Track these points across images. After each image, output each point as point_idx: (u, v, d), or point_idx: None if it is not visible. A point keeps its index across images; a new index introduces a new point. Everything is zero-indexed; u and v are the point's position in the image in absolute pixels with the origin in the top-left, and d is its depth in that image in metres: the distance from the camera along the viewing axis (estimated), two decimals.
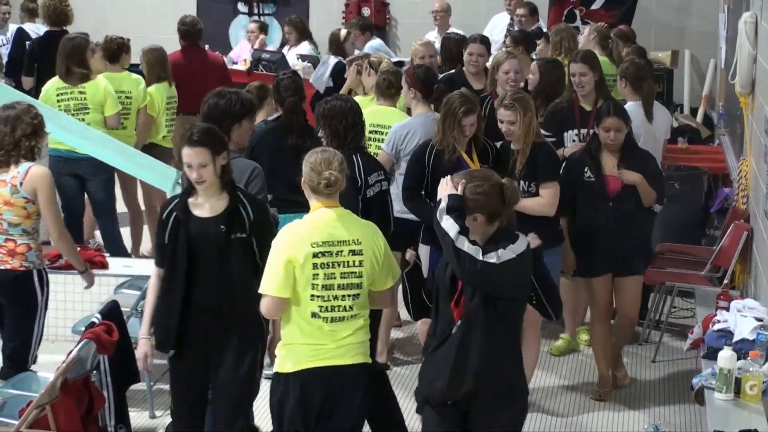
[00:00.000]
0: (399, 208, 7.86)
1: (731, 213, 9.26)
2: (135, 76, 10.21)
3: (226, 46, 14.99)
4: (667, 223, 9.37)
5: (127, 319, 7.02)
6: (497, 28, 13.17)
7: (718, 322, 6.82)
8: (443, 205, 5.32)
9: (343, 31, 11.54)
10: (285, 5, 16.00)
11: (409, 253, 5.80)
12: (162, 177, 8.63)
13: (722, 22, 12.70)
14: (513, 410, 5.51)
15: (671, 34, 15.11)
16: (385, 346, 8.26)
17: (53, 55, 9.83)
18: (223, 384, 5.90)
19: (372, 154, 8.10)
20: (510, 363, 5.46)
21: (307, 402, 5.54)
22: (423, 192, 7.55)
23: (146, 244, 10.33)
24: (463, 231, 5.26)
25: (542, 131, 7.91)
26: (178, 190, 6.05)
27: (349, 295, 5.54)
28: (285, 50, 13.81)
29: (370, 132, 8.46)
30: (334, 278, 5.51)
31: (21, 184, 6.73)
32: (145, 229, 10.38)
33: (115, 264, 8.57)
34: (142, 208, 10.48)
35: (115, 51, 10.11)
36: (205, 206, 5.89)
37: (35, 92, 10.33)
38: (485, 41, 9.91)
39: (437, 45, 10.80)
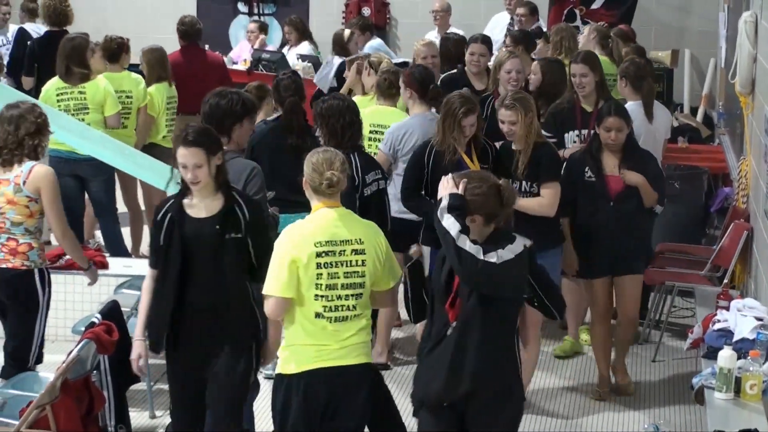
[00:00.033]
0: (397, 209, 7.87)
1: (731, 212, 9.26)
2: (135, 75, 10.22)
3: (226, 46, 14.99)
4: (667, 223, 9.36)
5: (127, 319, 7.02)
6: (497, 27, 13.17)
7: (718, 321, 6.82)
8: (444, 203, 5.33)
9: (347, 32, 11.53)
10: (285, 5, 16.00)
11: (414, 248, 5.80)
12: (162, 177, 8.62)
13: (722, 21, 12.70)
14: (510, 411, 5.51)
15: (671, 34, 15.11)
16: (385, 346, 8.27)
17: (53, 55, 9.84)
18: (217, 385, 5.89)
19: (372, 154, 8.13)
20: (507, 364, 5.45)
21: (311, 403, 5.54)
22: (423, 192, 7.54)
23: (146, 244, 10.31)
24: (465, 230, 5.27)
25: (543, 132, 7.90)
26: (172, 188, 6.00)
27: (352, 295, 5.54)
28: (285, 50, 13.81)
29: (371, 132, 8.47)
30: (338, 278, 5.51)
31: (24, 183, 6.75)
32: (146, 229, 10.36)
33: (115, 264, 8.57)
34: (142, 208, 10.49)
35: (115, 51, 10.12)
36: (200, 207, 5.87)
37: (35, 92, 10.33)
38: (487, 41, 9.90)
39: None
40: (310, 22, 15.08)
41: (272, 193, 6.87)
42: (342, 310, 5.53)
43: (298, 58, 13.15)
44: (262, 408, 6.98)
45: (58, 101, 9.53)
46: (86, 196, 9.87)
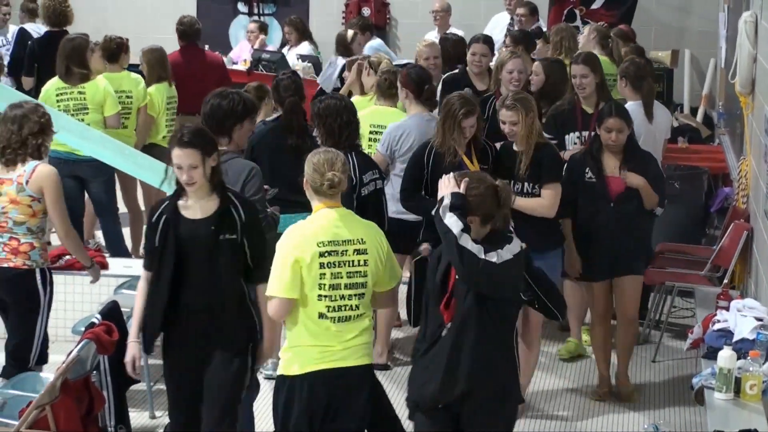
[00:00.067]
0: (395, 209, 7.87)
1: (731, 212, 9.26)
2: (134, 75, 10.22)
3: (226, 46, 14.99)
4: (667, 223, 9.36)
5: (127, 319, 7.00)
6: (497, 27, 13.16)
7: (718, 321, 6.82)
8: (446, 202, 5.32)
9: (350, 32, 11.52)
10: (285, 5, 16.00)
11: (424, 246, 5.82)
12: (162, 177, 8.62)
13: (722, 21, 12.71)
14: (506, 412, 5.51)
15: (671, 34, 15.11)
16: (385, 346, 8.27)
17: (53, 56, 9.84)
18: (212, 385, 5.87)
19: (371, 154, 8.14)
20: (503, 364, 5.45)
21: (313, 404, 5.54)
22: (422, 193, 7.53)
23: None
24: (466, 229, 5.27)
25: (544, 133, 7.88)
26: (167, 187, 5.98)
27: (355, 295, 5.55)
28: (285, 50, 13.81)
29: (371, 132, 8.48)
30: (341, 278, 5.52)
31: (27, 182, 6.77)
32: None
33: (115, 264, 8.58)
34: (142, 208, 10.48)
35: (114, 51, 10.12)
36: (195, 208, 5.85)
37: (35, 92, 10.33)
38: (488, 41, 9.88)
39: None
40: (310, 23, 15.09)
41: (275, 191, 6.87)
42: (345, 310, 5.54)
43: (298, 59, 13.15)
44: (262, 408, 6.99)
45: (57, 101, 9.52)
46: (86, 196, 9.87)
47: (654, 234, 8.43)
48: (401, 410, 5.87)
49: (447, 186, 5.41)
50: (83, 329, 6.57)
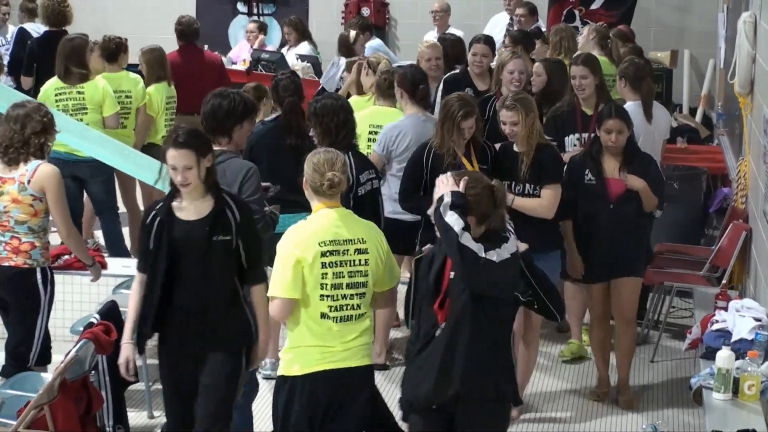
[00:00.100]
0: (391, 209, 7.87)
1: (730, 213, 9.26)
2: (133, 75, 10.22)
3: (225, 46, 15.00)
4: (666, 223, 9.36)
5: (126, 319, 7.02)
6: (497, 27, 13.16)
7: (717, 322, 6.83)
8: (447, 200, 5.30)
9: (352, 33, 11.51)
10: (284, 5, 16.01)
11: (427, 247, 5.80)
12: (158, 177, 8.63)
13: (721, 21, 12.71)
14: (500, 412, 5.49)
15: (671, 34, 15.12)
16: (383, 346, 8.27)
17: (52, 55, 9.84)
18: (204, 385, 5.85)
19: (368, 154, 8.14)
20: (497, 365, 5.43)
21: (314, 405, 5.55)
22: (421, 194, 7.52)
23: None
24: (467, 227, 5.26)
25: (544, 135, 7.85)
26: (162, 185, 5.96)
27: (356, 294, 5.57)
28: (284, 50, 13.81)
29: (370, 132, 8.48)
30: (343, 277, 5.53)
31: (29, 182, 6.78)
32: None
33: (114, 264, 8.58)
34: (141, 208, 10.48)
35: (113, 51, 10.13)
36: (190, 209, 5.83)
37: (34, 92, 10.34)
38: (489, 41, 9.86)
39: None
40: (309, 23, 15.09)
41: (277, 188, 6.86)
42: (347, 309, 5.55)
43: (297, 59, 13.14)
44: (261, 408, 6.99)
45: (56, 101, 9.53)
46: (84, 196, 9.87)
47: (653, 234, 8.43)
48: (397, 410, 5.86)
49: (446, 185, 5.40)
50: (82, 329, 6.57)
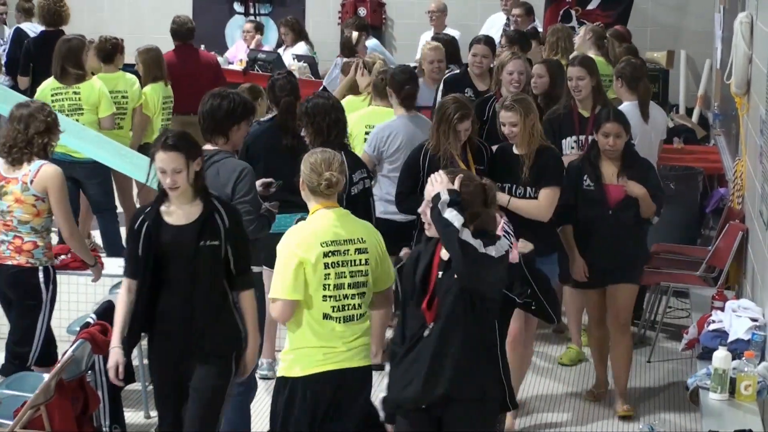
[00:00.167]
0: (383, 210, 7.87)
1: (726, 213, 9.26)
2: (129, 75, 10.23)
3: (222, 46, 15.00)
4: (663, 224, 9.32)
5: None
6: (493, 28, 13.15)
7: (713, 322, 6.83)
8: (445, 197, 5.28)
9: (355, 34, 11.49)
10: (281, 5, 15.99)
11: (405, 251, 5.80)
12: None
13: (718, 22, 12.71)
14: (487, 413, 5.46)
15: (667, 34, 15.11)
16: (380, 347, 8.26)
17: (49, 55, 9.84)
18: (191, 390, 5.81)
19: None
20: (486, 365, 5.40)
21: (315, 405, 5.55)
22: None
23: None
24: (466, 224, 5.24)
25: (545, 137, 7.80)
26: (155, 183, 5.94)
27: (357, 294, 5.58)
28: (281, 50, 13.81)
29: (367, 133, 8.46)
30: (344, 277, 5.54)
31: (31, 182, 6.80)
32: None
33: (111, 264, 8.54)
34: None
35: (110, 51, 10.13)
36: (179, 214, 5.76)
37: (30, 92, 10.33)
38: (490, 42, 9.82)
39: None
40: (306, 23, 15.09)
41: (280, 182, 6.84)
42: (349, 309, 5.56)
43: (293, 59, 13.14)
44: (258, 408, 6.99)
45: (52, 101, 9.50)
46: (80, 196, 9.87)
47: (649, 234, 8.41)
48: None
49: (440, 182, 5.37)
50: (78, 329, 6.57)
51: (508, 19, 13.08)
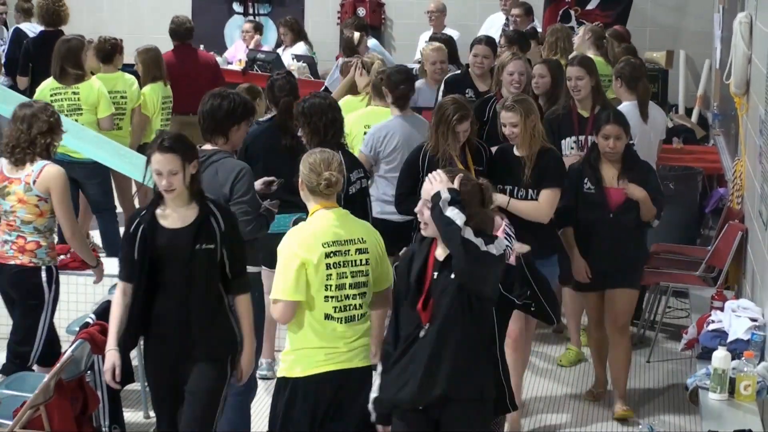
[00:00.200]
0: (379, 210, 7.87)
1: (726, 213, 9.26)
2: (128, 76, 10.23)
3: (221, 46, 15.00)
4: (662, 224, 9.31)
5: None
6: (492, 28, 13.14)
7: (713, 322, 6.83)
8: (446, 196, 5.27)
9: (356, 35, 11.50)
10: (280, 5, 15.99)
11: (405, 251, 5.78)
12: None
13: (717, 22, 12.72)
14: (484, 413, 5.45)
15: (666, 34, 15.12)
16: (379, 347, 8.24)
17: (48, 55, 9.84)
18: (187, 393, 5.80)
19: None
20: (483, 365, 5.38)
21: (316, 406, 5.55)
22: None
23: None
24: (467, 222, 5.23)
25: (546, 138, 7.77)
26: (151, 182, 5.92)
27: (359, 294, 5.59)
28: (280, 50, 13.81)
29: (365, 133, 8.45)
30: (346, 277, 5.55)
31: (34, 182, 6.81)
32: None
33: (110, 264, 8.54)
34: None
35: (109, 51, 10.13)
36: (174, 217, 5.74)
37: (29, 92, 10.33)
38: (491, 43, 9.80)
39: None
40: (305, 23, 15.08)
41: (281, 181, 6.83)
42: (350, 309, 5.57)
43: (293, 59, 13.14)
44: (258, 408, 6.98)
45: (52, 102, 9.47)
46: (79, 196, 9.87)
47: (649, 234, 8.41)
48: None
49: (440, 181, 5.37)
50: (77, 329, 6.57)
51: (507, 19, 13.08)
